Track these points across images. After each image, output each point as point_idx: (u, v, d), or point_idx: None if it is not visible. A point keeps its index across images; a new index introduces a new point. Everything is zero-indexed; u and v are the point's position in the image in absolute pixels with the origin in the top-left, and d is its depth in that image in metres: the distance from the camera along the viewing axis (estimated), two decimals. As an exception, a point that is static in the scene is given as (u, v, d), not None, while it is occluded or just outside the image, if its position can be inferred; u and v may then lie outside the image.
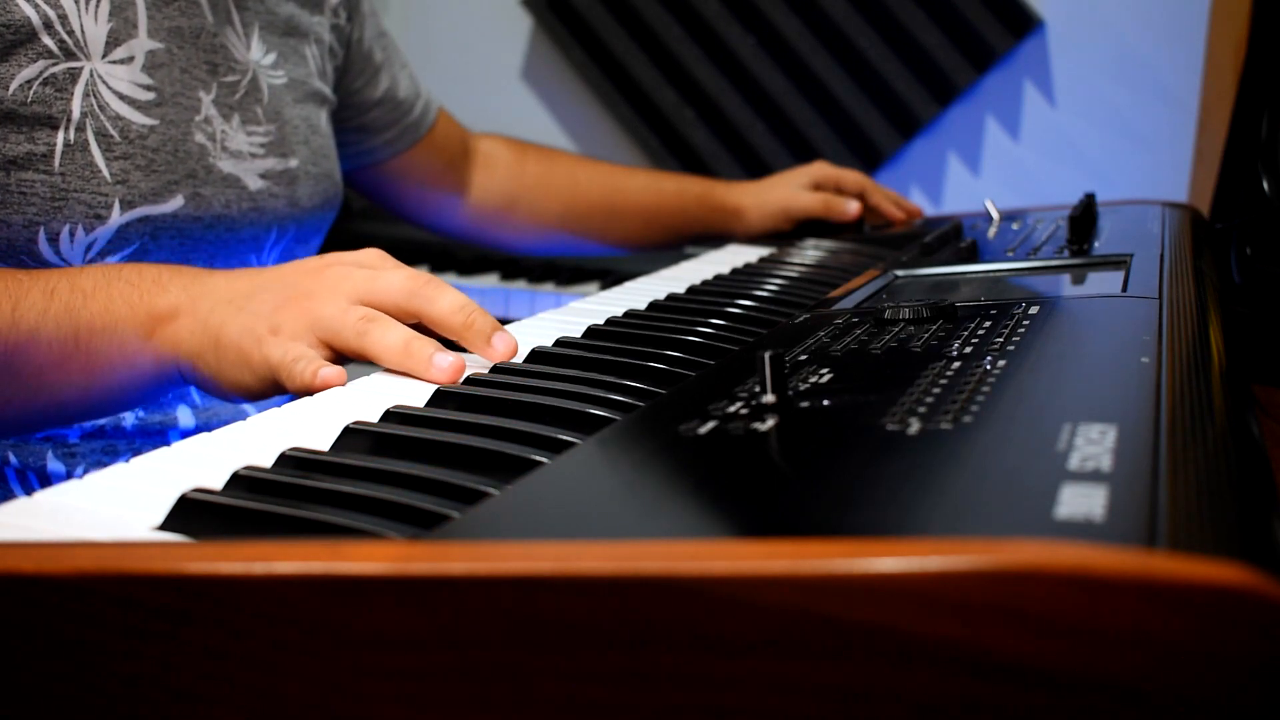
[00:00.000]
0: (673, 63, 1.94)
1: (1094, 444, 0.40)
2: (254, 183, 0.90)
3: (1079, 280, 0.82)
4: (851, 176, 1.34)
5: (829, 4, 1.84)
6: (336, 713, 0.34)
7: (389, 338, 0.64)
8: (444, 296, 0.67)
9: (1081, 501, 0.35)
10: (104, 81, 0.79)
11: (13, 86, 0.75)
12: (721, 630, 0.31)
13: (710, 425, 0.49)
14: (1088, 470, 0.37)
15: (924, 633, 0.29)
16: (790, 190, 1.33)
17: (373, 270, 0.68)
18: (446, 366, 0.62)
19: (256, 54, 0.94)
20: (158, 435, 0.88)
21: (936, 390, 0.51)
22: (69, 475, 0.84)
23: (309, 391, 0.62)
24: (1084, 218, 0.98)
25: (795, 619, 0.30)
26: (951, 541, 0.30)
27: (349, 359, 0.66)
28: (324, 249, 0.94)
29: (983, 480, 0.39)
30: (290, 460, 0.49)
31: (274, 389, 0.65)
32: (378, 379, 0.64)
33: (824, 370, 0.57)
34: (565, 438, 0.50)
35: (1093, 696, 0.28)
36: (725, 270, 1.02)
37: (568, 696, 0.32)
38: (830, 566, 0.30)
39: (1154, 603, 0.28)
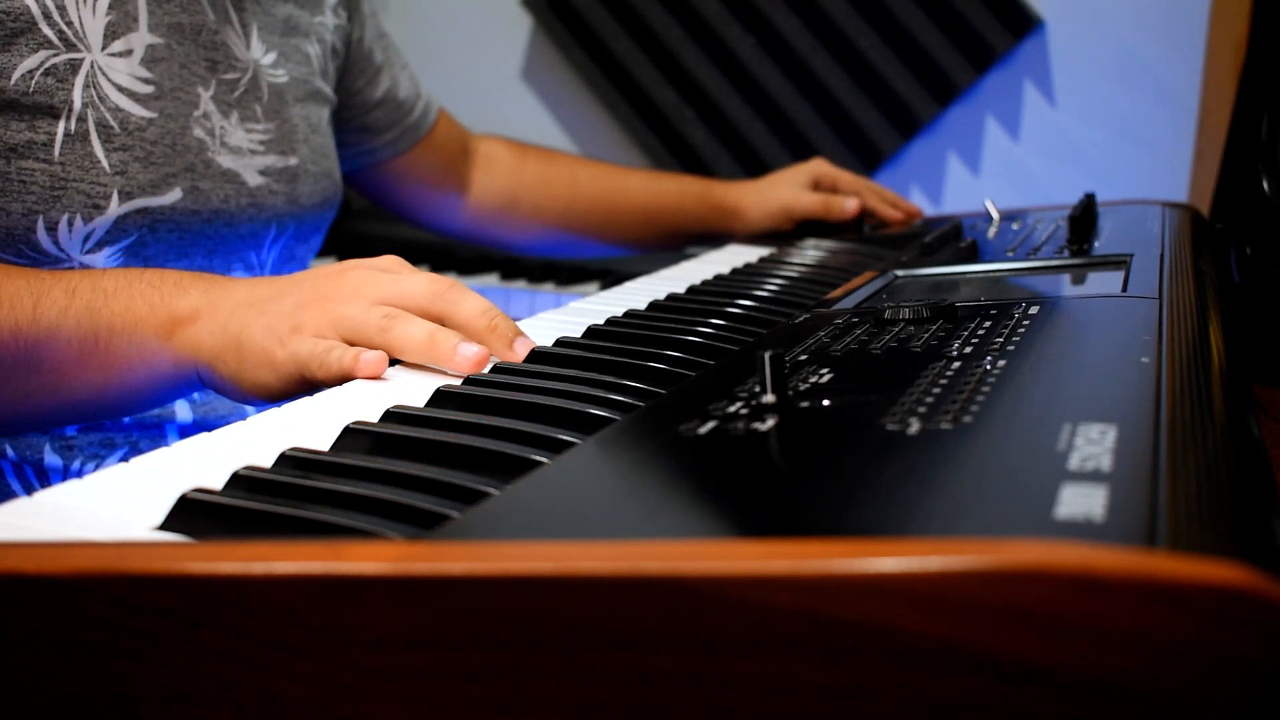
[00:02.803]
0: (673, 63, 1.95)
1: (1094, 444, 0.40)
2: (253, 179, 0.90)
3: (1079, 280, 0.82)
4: (848, 177, 1.34)
5: (829, 4, 1.84)
6: (336, 713, 0.34)
7: (413, 330, 0.64)
8: (467, 300, 0.67)
9: (1081, 501, 0.35)
10: (104, 73, 0.80)
11: (15, 76, 0.75)
12: (721, 630, 0.31)
13: (710, 425, 0.49)
14: (1088, 470, 0.37)
15: (924, 633, 0.29)
16: (791, 190, 1.33)
17: (394, 274, 0.69)
18: (471, 356, 0.63)
19: (257, 53, 0.94)
20: (155, 429, 0.88)
21: (936, 390, 0.51)
22: (66, 468, 0.85)
23: (345, 379, 0.62)
24: (1084, 218, 0.98)
25: (795, 619, 0.30)
26: (951, 541, 0.30)
27: None
28: (324, 248, 0.95)
29: (983, 480, 0.39)
30: (290, 460, 0.49)
31: (296, 387, 0.66)
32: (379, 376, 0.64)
33: (824, 370, 0.57)
34: (565, 438, 0.50)
35: (1093, 696, 0.28)
36: (725, 270, 1.02)
37: (568, 696, 0.32)
38: (830, 566, 0.30)
39: (1154, 603, 0.28)
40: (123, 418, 0.84)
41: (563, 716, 0.32)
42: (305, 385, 0.65)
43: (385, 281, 0.67)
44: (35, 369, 0.69)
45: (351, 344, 0.65)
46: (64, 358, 0.69)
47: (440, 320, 0.67)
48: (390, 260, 0.71)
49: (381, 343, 0.64)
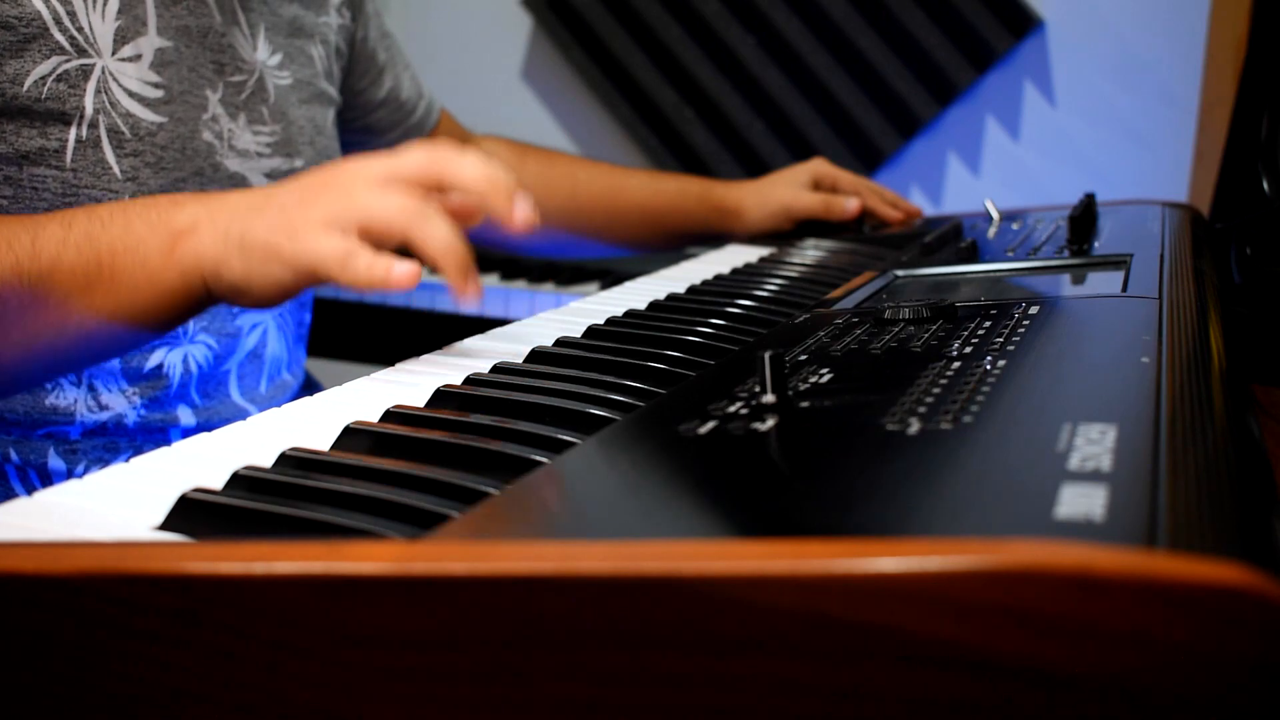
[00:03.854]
0: (673, 63, 1.94)
1: (1094, 444, 0.40)
2: (259, 182, 0.90)
3: (1079, 280, 0.82)
4: (848, 177, 1.34)
5: (829, 4, 1.84)
6: (336, 712, 0.34)
7: (438, 228, 0.64)
8: (465, 158, 0.67)
9: (1081, 501, 0.35)
10: (115, 79, 0.79)
11: (28, 82, 0.75)
12: (721, 630, 0.31)
13: (710, 425, 0.49)
14: (1088, 470, 0.37)
15: (924, 633, 0.29)
16: (791, 190, 1.33)
17: (387, 157, 0.68)
18: (523, 211, 0.64)
19: (263, 54, 0.94)
20: (159, 433, 0.88)
21: (936, 390, 0.51)
22: (70, 472, 0.84)
23: (375, 288, 0.62)
24: (1084, 218, 0.98)
25: (795, 619, 0.30)
26: (951, 541, 0.30)
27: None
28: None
29: (983, 480, 0.39)
30: (290, 460, 0.49)
31: (309, 281, 0.65)
32: (378, 379, 0.64)
33: (824, 370, 0.57)
34: (565, 438, 0.50)
35: (1093, 696, 0.28)
36: (725, 270, 1.02)
37: (568, 696, 0.32)
38: (830, 566, 0.30)
39: (1154, 603, 0.28)
40: (135, 349, 0.83)
41: (563, 716, 0.32)
42: (319, 280, 0.65)
43: (382, 160, 0.67)
44: (41, 305, 0.68)
45: (368, 233, 0.64)
46: (69, 289, 0.68)
47: (442, 182, 0.66)
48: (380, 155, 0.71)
49: (409, 234, 0.64)
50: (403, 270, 0.62)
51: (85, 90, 0.77)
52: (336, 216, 0.64)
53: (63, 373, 0.82)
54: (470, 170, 0.66)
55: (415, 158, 0.66)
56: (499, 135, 1.36)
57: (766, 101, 1.91)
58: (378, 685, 0.34)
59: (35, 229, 0.68)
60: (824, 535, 0.35)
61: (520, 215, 0.66)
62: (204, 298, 0.70)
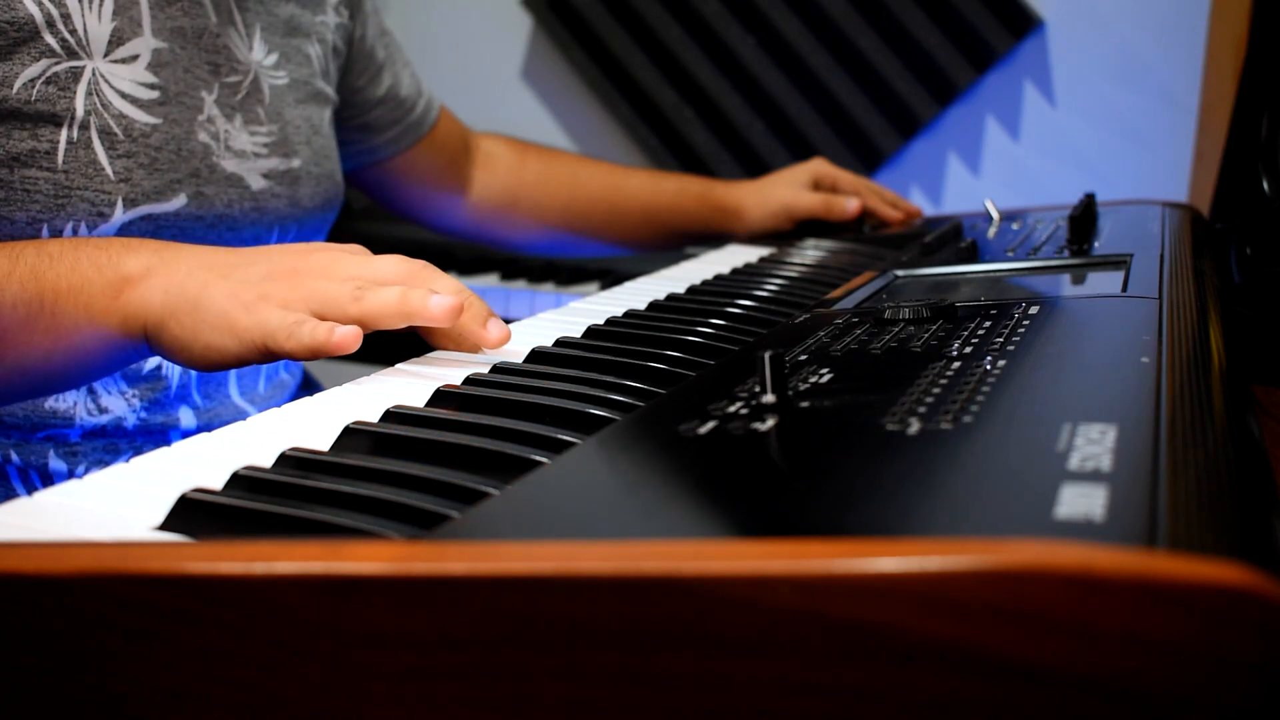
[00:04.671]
0: (673, 63, 1.94)
1: (1094, 444, 0.40)
2: (256, 182, 0.90)
3: (1079, 280, 0.82)
4: (848, 177, 1.34)
5: (829, 4, 1.84)
6: (336, 713, 0.34)
7: (384, 295, 0.64)
8: (438, 280, 0.67)
9: (1081, 501, 0.35)
10: (107, 80, 0.79)
11: (17, 85, 0.75)
12: (721, 630, 0.31)
13: (710, 425, 0.49)
14: (1088, 470, 0.37)
15: (924, 633, 0.29)
16: (792, 190, 1.33)
17: (363, 256, 0.68)
18: (446, 305, 0.63)
19: (259, 54, 0.94)
20: (159, 435, 0.88)
21: (936, 390, 0.51)
22: (70, 474, 0.84)
23: (317, 354, 0.62)
24: (1084, 218, 0.98)
25: (795, 619, 0.30)
26: (951, 541, 0.30)
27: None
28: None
29: (983, 480, 0.39)
30: (290, 460, 0.49)
31: (256, 356, 0.64)
32: (378, 379, 0.64)
33: (824, 370, 0.57)
34: (565, 438, 0.50)
35: (1093, 696, 0.28)
36: (725, 270, 1.02)
37: (568, 696, 0.32)
38: (830, 566, 0.30)
39: (1154, 603, 0.28)
40: (70, 389, 0.82)
41: (563, 716, 0.32)
42: (266, 355, 0.64)
43: (354, 262, 0.67)
44: None
45: (322, 319, 0.63)
46: (9, 324, 0.67)
47: (409, 319, 0.66)
48: (355, 247, 0.70)
49: (356, 312, 0.63)
50: (344, 332, 0.62)
51: (76, 92, 0.77)
52: (300, 300, 0.64)
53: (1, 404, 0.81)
54: (438, 308, 0.65)
55: (390, 270, 0.66)
56: (499, 135, 1.36)
57: (766, 101, 1.91)
58: (378, 685, 0.34)
59: None
60: (824, 535, 0.35)
61: (492, 337, 0.66)
62: (143, 349, 0.68)
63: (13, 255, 0.68)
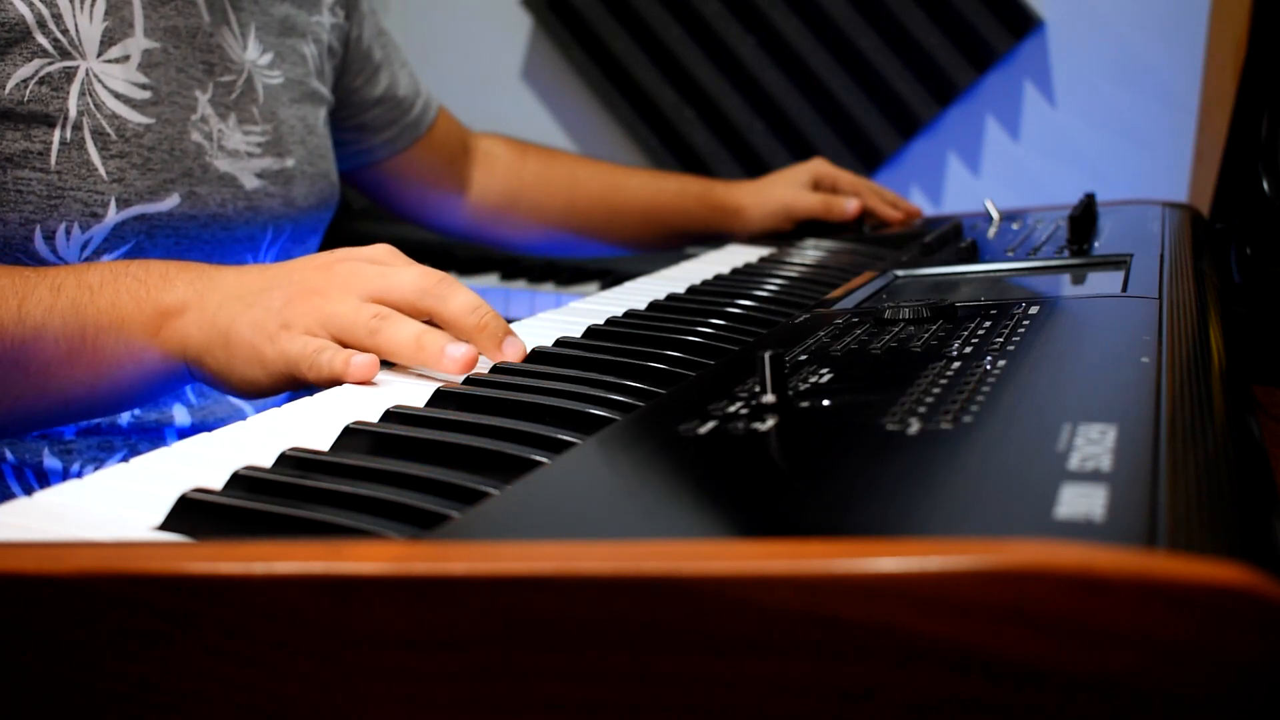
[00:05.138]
0: (673, 63, 1.94)
1: (1094, 444, 0.40)
2: (250, 182, 0.90)
3: (1079, 280, 0.82)
4: (848, 177, 1.34)
5: (829, 4, 1.84)
6: (337, 712, 0.34)
7: (401, 334, 0.64)
8: (457, 295, 0.66)
9: (1081, 501, 0.35)
10: (100, 80, 0.79)
11: (9, 85, 0.75)
12: (722, 630, 0.31)
13: (710, 425, 0.49)
14: (1088, 470, 0.37)
15: (924, 633, 0.29)
16: (792, 190, 1.33)
17: (384, 267, 0.68)
18: (459, 357, 0.62)
19: (253, 54, 0.94)
20: (154, 433, 0.88)
21: (936, 390, 0.51)
22: (65, 472, 0.85)
23: (336, 382, 0.62)
24: (1084, 218, 0.98)
25: (795, 619, 0.30)
26: (951, 541, 0.30)
27: None
28: (323, 248, 0.94)
29: (983, 480, 0.39)
30: (290, 460, 0.49)
31: (286, 384, 0.65)
32: (378, 378, 0.64)
33: (824, 370, 0.57)
34: (565, 438, 0.50)
35: (1093, 696, 0.28)
36: (725, 270, 1.02)
37: (568, 696, 0.32)
38: (830, 566, 0.30)
39: (1154, 603, 0.28)
40: (117, 415, 0.83)
41: (563, 716, 0.32)
42: (295, 384, 0.64)
43: (374, 275, 0.66)
44: (23, 370, 0.68)
45: (341, 344, 0.64)
46: (52, 357, 0.68)
47: (429, 314, 0.66)
48: (382, 250, 0.70)
49: (371, 345, 0.64)
50: (359, 362, 0.62)
51: (69, 92, 0.77)
52: (319, 325, 0.64)
53: (37, 429, 0.82)
54: (458, 306, 0.66)
55: (408, 284, 0.66)
56: (499, 134, 1.35)
57: (766, 101, 1.91)
58: (378, 685, 0.34)
59: (24, 291, 0.68)
60: (824, 535, 0.35)
61: (508, 357, 0.66)
62: (185, 378, 0.70)
63: (54, 287, 0.69)
